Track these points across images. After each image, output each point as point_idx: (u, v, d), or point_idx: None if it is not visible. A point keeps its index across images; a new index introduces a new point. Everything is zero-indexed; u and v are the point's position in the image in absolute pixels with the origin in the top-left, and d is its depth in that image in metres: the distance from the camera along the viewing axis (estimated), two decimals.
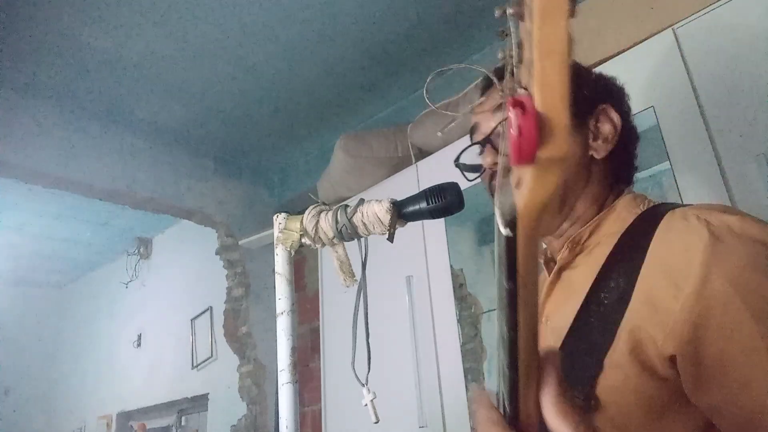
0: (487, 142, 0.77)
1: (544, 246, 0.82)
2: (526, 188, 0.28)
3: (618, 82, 0.82)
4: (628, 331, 0.59)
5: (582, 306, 0.66)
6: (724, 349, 0.54)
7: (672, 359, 0.57)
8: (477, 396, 0.46)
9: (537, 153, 0.26)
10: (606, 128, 0.76)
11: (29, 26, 1.87)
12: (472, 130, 0.81)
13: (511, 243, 0.32)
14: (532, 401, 0.39)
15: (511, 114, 0.27)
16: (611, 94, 0.79)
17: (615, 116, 0.76)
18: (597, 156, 0.75)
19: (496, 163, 0.74)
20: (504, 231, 0.31)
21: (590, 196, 0.75)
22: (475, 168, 0.81)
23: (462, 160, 0.83)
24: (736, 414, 0.54)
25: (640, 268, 0.61)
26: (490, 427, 0.42)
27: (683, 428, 0.59)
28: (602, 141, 0.75)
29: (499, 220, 0.32)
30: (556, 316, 0.72)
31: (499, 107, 0.76)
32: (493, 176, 0.77)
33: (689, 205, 0.66)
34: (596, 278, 0.66)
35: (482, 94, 0.82)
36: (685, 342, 0.56)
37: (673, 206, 0.67)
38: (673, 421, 0.59)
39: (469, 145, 0.83)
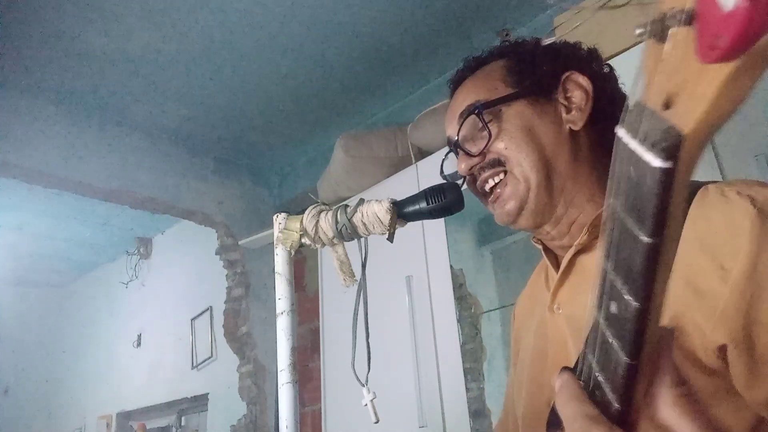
0: (457, 148, 0.75)
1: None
2: (702, 99, 0.22)
3: (584, 45, 0.77)
4: (668, 320, 0.53)
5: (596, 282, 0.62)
6: None
7: (721, 349, 0.51)
8: (565, 384, 0.37)
9: (764, 32, 0.19)
10: (577, 96, 0.71)
11: (29, 26, 1.87)
12: (449, 143, 0.79)
13: (667, 178, 0.24)
14: (638, 405, 0.32)
15: None
16: (576, 59, 0.74)
17: (583, 80, 0.71)
18: (575, 127, 0.71)
19: (472, 168, 0.73)
20: (659, 162, 0.24)
21: (583, 173, 0.71)
22: (454, 176, 0.78)
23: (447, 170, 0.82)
24: None
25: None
26: (589, 426, 0.33)
27: (729, 424, 0.53)
28: (576, 110, 0.71)
29: (646, 150, 0.25)
30: (572, 305, 0.68)
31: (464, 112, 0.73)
32: (474, 180, 0.75)
33: (717, 181, 0.60)
34: None
35: (451, 96, 0.81)
36: (736, 330, 0.50)
37: (700, 183, 0.60)
38: (719, 416, 0.53)
39: (446, 155, 0.82)
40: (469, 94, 0.75)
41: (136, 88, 2.25)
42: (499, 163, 0.71)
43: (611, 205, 0.30)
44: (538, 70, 0.73)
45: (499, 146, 0.71)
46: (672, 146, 0.24)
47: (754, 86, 0.21)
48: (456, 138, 0.75)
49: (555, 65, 0.73)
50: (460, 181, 0.76)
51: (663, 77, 0.25)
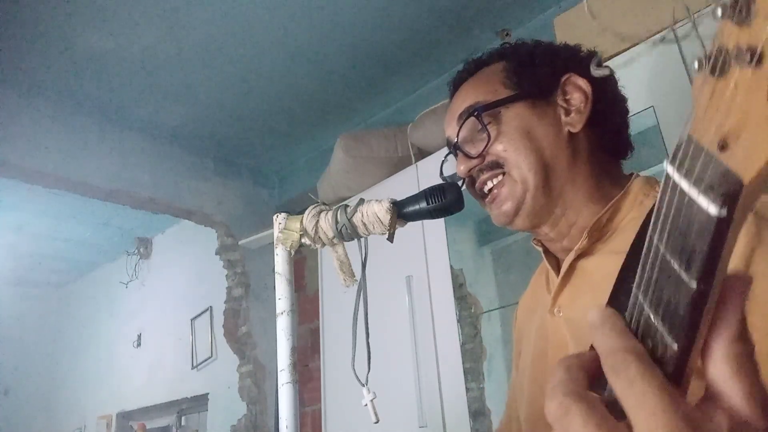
0: (456, 149, 0.75)
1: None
2: (766, 147, 0.21)
3: (584, 47, 0.77)
4: None
5: (611, 297, 0.60)
6: None
7: None
8: (608, 317, 0.30)
9: None
10: (576, 98, 0.72)
11: (29, 26, 1.87)
12: (447, 144, 0.80)
13: (722, 226, 0.23)
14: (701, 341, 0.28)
15: None
16: (575, 61, 0.74)
17: (582, 82, 0.71)
18: (574, 130, 0.71)
19: (471, 169, 0.73)
20: (715, 210, 0.23)
21: (581, 175, 0.71)
22: (453, 178, 0.78)
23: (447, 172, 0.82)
24: None
25: None
26: (628, 362, 0.27)
27: None
28: (575, 113, 0.71)
29: (700, 194, 0.24)
30: (572, 308, 0.68)
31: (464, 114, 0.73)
32: (473, 182, 0.75)
33: None
34: (623, 266, 0.58)
35: (451, 98, 0.81)
36: None
37: None
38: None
39: (445, 157, 0.82)
40: (468, 96, 0.76)
41: (136, 88, 2.25)
42: (497, 165, 0.72)
43: (651, 239, 0.28)
44: (537, 72, 0.73)
45: (498, 148, 0.71)
46: (730, 193, 0.22)
47: None
48: (455, 140, 0.75)
49: (554, 67, 0.73)
50: (459, 182, 0.77)
51: (720, 115, 0.23)
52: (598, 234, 0.68)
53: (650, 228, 0.29)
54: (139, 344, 3.67)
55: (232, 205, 2.85)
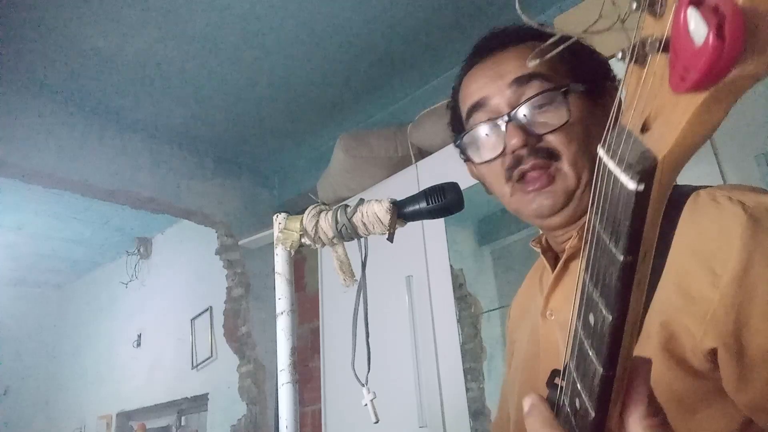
0: (510, 120, 0.67)
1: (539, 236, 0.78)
2: (677, 126, 0.22)
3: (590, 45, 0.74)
4: (659, 324, 0.54)
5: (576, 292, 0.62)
6: None
7: (711, 353, 0.52)
8: (534, 407, 0.37)
9: (731, 69, 0.19)
10: (609, 106, 0.70)
11: (30, 26, 1.87)
12: (476, 107, 0.71)
13: (641, 201, 0.25)
14: (615, 418, 0.32)
15: (694, 10, 0.19)
16: (607, 68, 0.73)
17: (615, 91, 0.70)
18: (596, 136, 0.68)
19: (526, 145, 0.65)
20: (633, 185, 0.25)
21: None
22: (487, 152, 0.70)
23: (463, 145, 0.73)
24: None
25: (666, 254, 0.54)
26: None
27: (717, 426, 0.54)
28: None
29: (622, 172, 0.26)
30: (564, 311, 0.67)
31: (524, 78, 0.67)
32: (512, 164, 0.67)
33: (709, 186, 0.59)
34: None
35: (482, 57, 0.73)
36: (726, 334, 0.50)
37: (692, 187, 0.59)
38: (707, 418, 0.54)
39: (481, 123, 0.70)
40: (525, 63, 0.68)
41: (136, 88, 2.25)
42: (552, 156, 0.66)
43: (591, 220, 0.31)
44: (596, 68, 0.71)
45: (563, 139, 0.66)
46: (647, 170, 0.25)
47: (726, 115, 0.22)
48: (510, 107, 0.67)
49: (605, 68, 0.71)
50: (486, 156, 0.71)
51: (642, 101, 0.25)
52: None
53: (589, 210, 0.31)
54: (139, 344, 3.67)
55: (232, 205, 2.85)
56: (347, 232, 0.75)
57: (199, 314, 3.13)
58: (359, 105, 2.50)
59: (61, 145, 2.28)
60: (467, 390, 1.58)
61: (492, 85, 0.70)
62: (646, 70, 0.25)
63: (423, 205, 0.72)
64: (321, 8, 1.89)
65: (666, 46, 0.23)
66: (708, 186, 0.59)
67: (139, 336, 3.67)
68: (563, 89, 0.66)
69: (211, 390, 2.99)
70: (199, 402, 3.13)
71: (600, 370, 0.31)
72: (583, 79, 0.68)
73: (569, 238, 0.71)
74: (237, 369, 2.74)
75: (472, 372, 1.67)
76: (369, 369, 0.74)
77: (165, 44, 2.01)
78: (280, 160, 2.97)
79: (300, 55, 2.12)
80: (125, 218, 3.38)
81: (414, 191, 0.74)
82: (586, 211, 0.68)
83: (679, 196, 0.58)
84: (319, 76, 2.27)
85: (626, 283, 0.28)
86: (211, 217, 2.76)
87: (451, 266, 1.72)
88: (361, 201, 0.75)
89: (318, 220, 0.76)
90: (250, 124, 2.59)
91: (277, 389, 0.74)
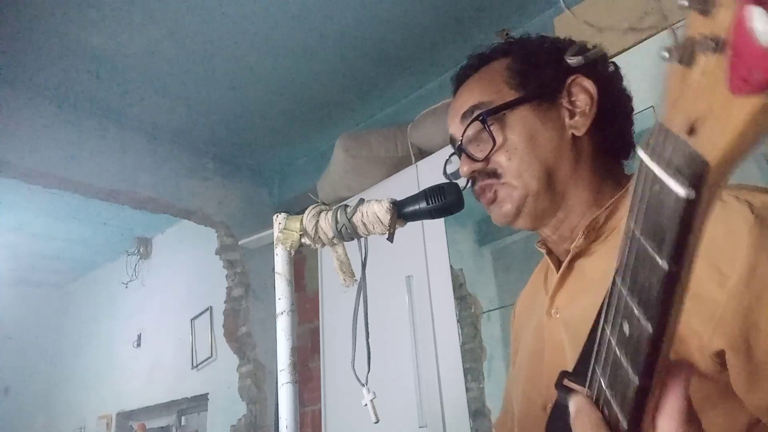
0: (461, 151, 0.74)
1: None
2: (732, 129, 0.22)
3: (589, 44, 0.73)
4: None
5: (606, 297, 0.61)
6: None
7: (719, 354, 0.52)
8: (581, 410, 0.36)
9: None
10: (581, 100, 0.70)
11: (29, 26, 1.87)
12: (450, 140, 0.78)
13: (690, 207, 0.24)
14: (647, 426, 0.31)
15: (761, 10, 0.19)
16: (569, 69, 0.71)
17: (588, 84, 0.70)
18: (578, 133, 0.69)
19: (474, 171, 0.72)
20: (683, 191, 0.24)
21: (584, 178, 0.70)
22: (456, 175, 0.77)
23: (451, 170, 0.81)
24: None
25: None
26: None
27: (723, 427, 0.54)
28: (580, 115, 0.70)
29: (670, 177, 0.24)
30: (570, 309, 0.68)
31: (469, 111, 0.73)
32: (474, 182, 0.74)
33: None
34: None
35: (454, 93, 0.79)
36: (734, 335, 0.50)
37: None
38: (713, 419, 0.54)
39: (449, 157, 0.81)
40: (472, 94, 0.74)
41: (137, 88, 2.25)
42: (495, 175, 0.71)
43: (629, 226, 0.30)
44: (542, 72, 0.71)
45: (501, 158, 0.70)
46: (697, 174, 0.23)
47: None
48: (459, 139, 0.74)
49: (560, 67, 0.70)
50: (462, 181, 0.76)
51: (689, 102, 0.24)
52: (595, 234, 0.68)
53: (627, 215, 0.30)
54: (139, 344, 3.67)
55: (232, 205, 2.85)
56: (347, 232, 0.75)
57: (199, 314, 3.13)
58: (359, 105, 2.50)
59: (61, 145, 2.28)
60: (467, 390, 1.58)
61: (452, 123, 0.77)
62: (694, 70, 0.24)
63: (423, 205, 0.72)
64: (321, 8, 1.89)
65: (723, 48, 0.22)
66: None
67: (139, 336, 3.67)
68: (492, 113, 0.70)
69: (211, 390, 2.99)
70: (199, 402, 3.13)
71: (635, 380, 0.30)
72: (533, 88, 0.71)
73: (564, 240, 0.72)
74: (237, 369, 2.74)
75: (472, 372, 1.67)
76: (369, 369, 0.74)
77: (165, 44, 2.01)
78: (280, 161, 2.97)
79: (300, 55, 2.12)
80: (125, 218, 3.38)
81: (414, 191, 0.74)
82: (557, 210, 0.71)
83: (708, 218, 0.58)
84: (319, 76, 2.27)
85: (669, 293, 0.27)
86: (211, 217, 2.76)
87: (451, 266, 1.72)
88: (361, 201, 0.75)
89: (318, 220, 0.76)
90: (250, 124, 2.59)
91: (277, 389, 0.74)
